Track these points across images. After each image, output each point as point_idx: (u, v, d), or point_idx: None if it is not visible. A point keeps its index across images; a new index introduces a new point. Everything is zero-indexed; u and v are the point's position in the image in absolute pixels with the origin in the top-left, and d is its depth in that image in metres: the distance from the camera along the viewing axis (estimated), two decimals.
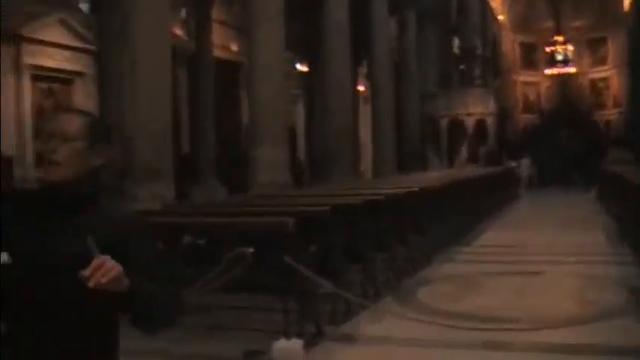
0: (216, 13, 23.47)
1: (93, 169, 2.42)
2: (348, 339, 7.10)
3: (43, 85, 19.56)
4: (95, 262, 2.10)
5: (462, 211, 14.98)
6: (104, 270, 2.09)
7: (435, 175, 19.33)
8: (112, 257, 2.15)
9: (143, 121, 11.79)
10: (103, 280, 2.08)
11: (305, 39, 26.02)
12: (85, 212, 2.38)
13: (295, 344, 6.16)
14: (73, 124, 2.40)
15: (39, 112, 19.48)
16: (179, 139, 22.56)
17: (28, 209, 2.42)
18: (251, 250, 6.22)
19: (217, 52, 23.87)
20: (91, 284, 2.08)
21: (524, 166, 34.79)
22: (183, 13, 23.44)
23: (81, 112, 2.56)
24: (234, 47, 25.81)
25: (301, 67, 29.02)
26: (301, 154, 29.77)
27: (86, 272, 2.09)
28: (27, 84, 18.84)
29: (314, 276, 6.34)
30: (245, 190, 16.27)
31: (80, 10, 20.07)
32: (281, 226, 6.42)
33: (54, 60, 19.52)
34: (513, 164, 33.83)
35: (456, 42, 39.32)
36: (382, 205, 9.13)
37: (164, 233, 7.18)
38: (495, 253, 12.98)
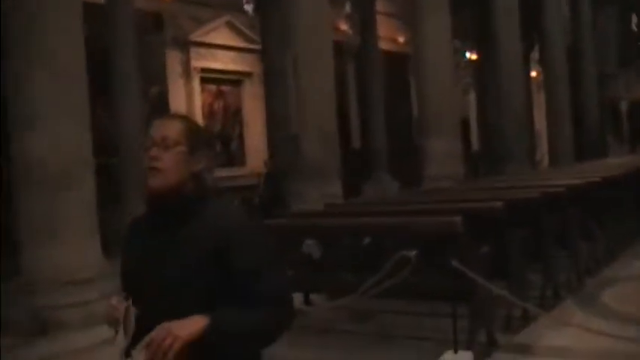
0: (380, 5, 23.16)
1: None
2: (524, 350, 6.36)
3: (212, 87, 19.88)
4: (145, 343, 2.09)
5: None
6: (159, 350, 2.04)
7: (616, 163, 18.01)
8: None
9: (308, 118, 11.62)
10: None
11: (473, 26, 25.26)
12: (189, 218, 2.36)
13: (464, 357, 5.62)
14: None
15: (210, 114, 19.89)
16: (349, 134, 22.45)
17: (139, 220, 2.55)
18: (415, 252, 5.72)
19: (384, 45, 23.59)
20: None
21: None
22: (347, 8, 23.25)
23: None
24: (400, 39, 25.45)
25: (471, 56, 28.20)
26: (474, 144, 28.98)
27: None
28: (196, 87, 19.24)
29: (484, 281, 5.76)
30: (417, 183, 15.83)
31: (245, 12, 20.24)
32: (448, 226, 5.87)
33: (221, 62, 19.84)
34: None
35: (634, 19, 37.00)
36: (563, 197, 8.35)
37: (324, 235, 6.82)
38: None
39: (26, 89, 7.07)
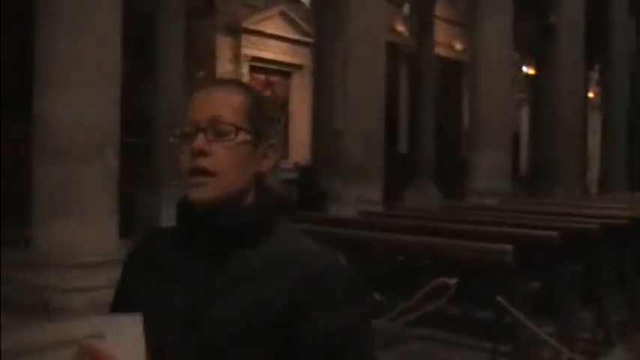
0: (439, 9, 22.58)
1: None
2: None
3: (261, 77, 19.59)
4: None
5: None
6: None
7: None
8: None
9: (354, 116, 11.20)
10: None
11: (533, 39, 24.54)
12: (250, 248, 1.59)
13: None
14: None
15: None
16: (396, 138, 22.01)
17: (163, 237, 1.76)
18: (455, 280, 5.10)
19: (440, 51, 23.06)
20: None
21: None
22: (406, 9, 22.69)
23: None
24: (457, 46, 24.85)
25: (528, 70, 27.48)
26: (523, 161, 28.30)
27: None
28: (245, 74, 18.94)
29: (532, 325, 5.12)
30: (461, 196, 15.32)
31: (301, 4, 19.85)
32: (497, 254, 5.23)
33: (272, 52, 19.58)
34: None
35: None
36: (625, 230, 7.60)
37: (355, 248, 6.22)
38: None
39: (53, 51, 6.66)
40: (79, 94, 6.61)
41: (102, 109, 6.76)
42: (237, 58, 18.73)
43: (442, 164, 22.02)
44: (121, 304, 1.68)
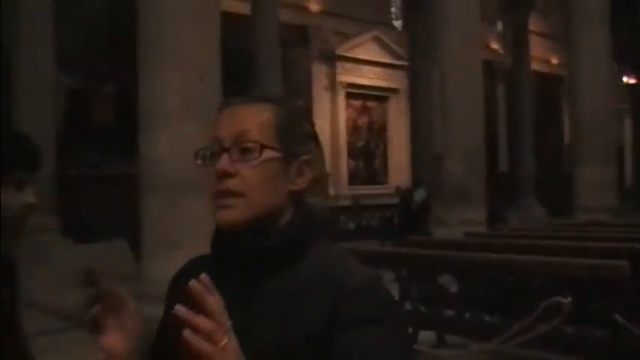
0: (533, 24, 22.25)
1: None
2: None
3: (357, 103, 19.66)
4: None
5: None
6: None
7: None
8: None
9: (454, 138, 11.08)
10: None
11: (632, 47, 23.92)
12: (283, 273, 1.45)
13: None
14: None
15: (353, 129, 19.64)
16: (496, 157, 21.74)
17: (198, 267, 1.48)
18: (570, 299, 4.97)
19: (536, 66, 22.73)
20: None
21: None
22: (499, 26, 22.46)
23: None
24: (554, 60, 24.46)
25: (628, 80, 26.77)
26: (628, 174, 27.53)
27: None
28: (341, 101, 19.06)
29: None
30: (567, 213, 14.96)
31: (394, 27, 19.87)
32: (612, 270, 5.08)
33: (368, 77, 19.63)
34: None
35: None
36: None
37: (462, 270, 6.14)
38: None
39: (155, 91, 6.85)
40: (182, 131, 6.74)
41: (205, 144, 6.88)
42: (332, 85, 18.84)
43: (544, 181, 21.61)
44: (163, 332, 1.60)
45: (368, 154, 20.50)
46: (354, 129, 19.89)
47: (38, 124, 10.05)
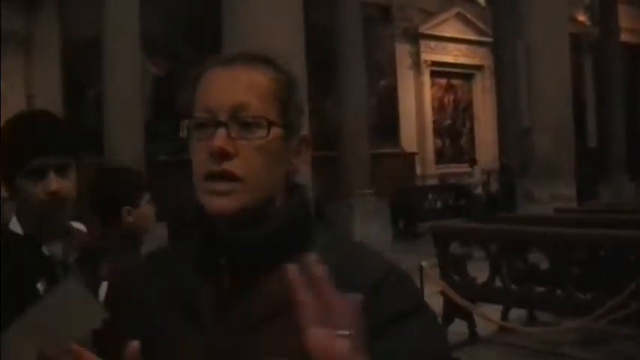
0: None
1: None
2: None
3: (442, 81, 19.50)
4: None
5: None
6: None
7: None
8: None
9: (541, 112, 10.90)
10: None
11: None
12: (283, 261, 1.07)
13: None
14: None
15: (439, 108, 19.51)
16: (584, 132, 21.28)
17: (172, 257, 1.36)
18: None
19: (625, 37, 22.03)
20: None
21: None
22: None
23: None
24: None
25: None
26: None
27: None
28: (426, 80, 18.95)
29: None
30: None
31: (477, 3, 19.59)
32: None
33: (452, 55, 19.44)
34: None
35: None
36: None
37: (552, 245, 6.05)
38: None
39: None
40: None
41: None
42: (417, 64, 18.72)
43: (636, 156, 21.06)
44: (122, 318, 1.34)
45: (454, 132, 20.33)
46: (439, 107, 19.73)
47: (128, 115, 10.25)
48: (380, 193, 13.55)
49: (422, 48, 18.74)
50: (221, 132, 1.19)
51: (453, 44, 19.35)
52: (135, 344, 1.09)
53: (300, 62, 7.20)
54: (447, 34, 19.13)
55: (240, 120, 1.21)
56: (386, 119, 17.20)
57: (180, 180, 3.56)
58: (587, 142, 21.65)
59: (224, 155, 1.19)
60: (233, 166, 1.20)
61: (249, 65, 1.25)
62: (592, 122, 22.22)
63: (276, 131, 1.22)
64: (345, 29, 13.75)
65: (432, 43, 18.95)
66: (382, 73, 17.41)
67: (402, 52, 18.36)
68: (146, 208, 2.89)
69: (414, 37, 18.56)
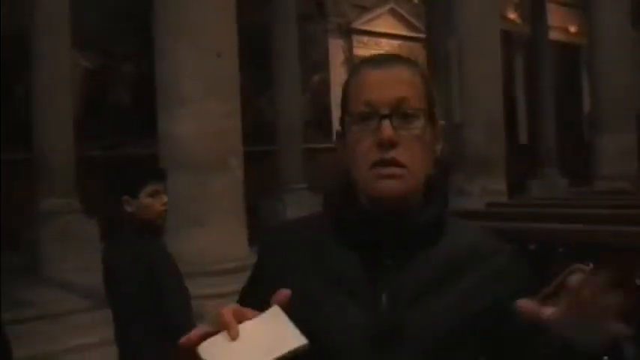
0: None
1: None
2: None
3: None
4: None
5: None
6: None
7: None
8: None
9: (473, 108, 11.03)
10: None
11: None
12: (430, 245, 1.43)
13: None
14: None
15: None
16: (516, 128, 21.59)
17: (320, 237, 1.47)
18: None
19: (554, 35, 22.45)
20: None
21: None
22: None
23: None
24: (572, 28, 24.16)
25: None
26: None
27: None
28: None
29: None
30: (587, 182, 14.88)
31: (410, 0, 19.72)
32: (638, 237, 5.06)
33: (385, 50, 19.36)
34: None
35: None
36: None
37: None
38: None
39: (173, 68, 6.87)
40: (201, 108, 6.78)
41: (224, 120, 6.92)
42: (349, 60, 18.75)
43: (565, 151, 21.47)
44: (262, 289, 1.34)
45: None
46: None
47: (58, 110, 9.97)
48: (313, 188, 13.58)
49: (354, 43, 18.73)
50: (386, 124, 1.38)
51: (385, 40, 19.38)
52: (287, 291, 1.19)
53: (233, 57, 7.17)
54: (380, 30, 19.18)
55: (402, 112, 1.40)
56: (319, 114, 17.21)
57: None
58: (518, 138, 21.97)
59: (393, 144, 1.37)
60: (398, 154, 1.38)
61: (401, 65, 1.46)
62: (523, 119, 22.56)
63: (426, 122, 1.43)
64: (280, 25, 13.72)
65: (365, 39, 18.97)
66: (316, 68, 17.40)
67: (336, 47, 18.35)
68: (146, 199, 3.38)
69: (347, 33, 18.58)
